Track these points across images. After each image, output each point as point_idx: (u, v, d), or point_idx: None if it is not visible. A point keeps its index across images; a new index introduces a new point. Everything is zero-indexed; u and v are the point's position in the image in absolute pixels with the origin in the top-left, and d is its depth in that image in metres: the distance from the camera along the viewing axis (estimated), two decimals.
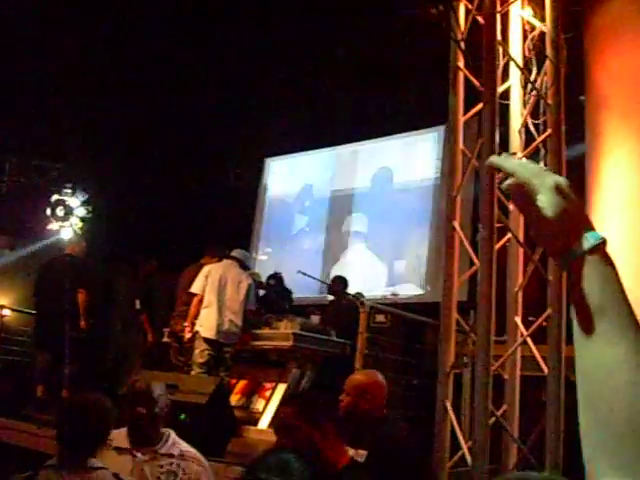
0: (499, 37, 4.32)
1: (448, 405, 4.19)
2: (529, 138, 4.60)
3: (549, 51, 4.46)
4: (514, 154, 4.56)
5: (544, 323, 4.18)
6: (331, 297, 8.02)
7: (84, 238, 8.62)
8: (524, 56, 4.70)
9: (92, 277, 7.84)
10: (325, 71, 9.29)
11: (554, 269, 4.14)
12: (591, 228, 0.93)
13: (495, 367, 4.00)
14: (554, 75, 4.39)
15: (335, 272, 8.90)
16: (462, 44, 4.52)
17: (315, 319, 7.46)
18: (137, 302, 8.40)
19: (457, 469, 4.16)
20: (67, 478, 2.81)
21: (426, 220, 9.69)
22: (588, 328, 0.89)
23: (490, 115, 4.12)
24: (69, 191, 10.74)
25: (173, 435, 3.26)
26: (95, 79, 9.11)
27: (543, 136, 4.41)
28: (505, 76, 4.62)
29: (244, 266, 7.10)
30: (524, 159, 4.48)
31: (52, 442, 3.22)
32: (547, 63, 4.47)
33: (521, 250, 4.43)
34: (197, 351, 6.60)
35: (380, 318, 7.62)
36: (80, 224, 10.67)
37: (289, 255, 10.83)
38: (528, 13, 4.72)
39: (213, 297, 6.67)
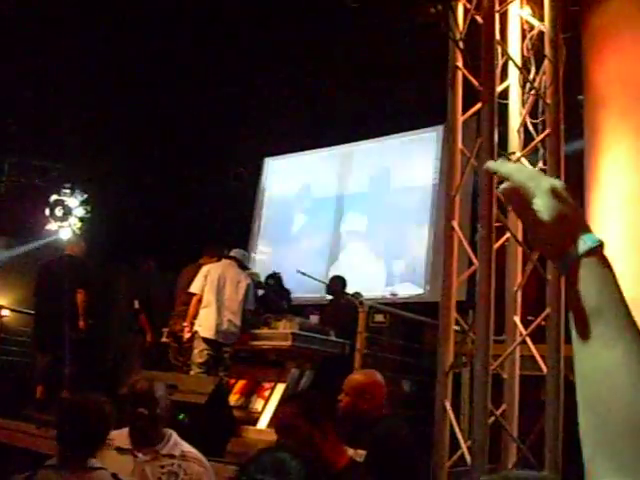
0: (498, 36, 4.32)
1: (447, 405, 4.19)
2: (528, 137, 4.60)
3: (548, 50, 4.46)
4: (512, 153, 4.56)
5: (543, 322, 4.19)
6: (330, 297, 8.03)
7: (83, 238, 8.61)
8: (523, 55, 4.70)
9: (91, 277, 7.83)
10: (325, 71, 9.29)
11: (553, 269, 4.14)
12: (588, 230, 0.93)
13: (494, 366, 4.00)
14: (553, 74, 4.39)
15: (334, 272, 8.90)
16: (461, 44, 4.52)
17: (314, 319, 7.46)
18: (136, 302, 8.39)
19: (456, 468, 4.16)
20: (66, 478, 2.81)
21: (425, 220, 9.70)
22: (585, 331, 0.89)
23: (489, 114, 4.13)
24: (68, 191, 10.76)
25: (174, 436, 3.26)
26: (95, 79, 9.10)
27: (542, 135, 4.41)
28: (504, 75, 4.62)
29: (243, 266, 7.10)
30: (522, 159, 4.48)
31: (52, 442, 3.23)
32: (546, 62, 4.47)
33: (520, 249, 4.43)
34: (196, 351, 6.60)
35: (379, 318, 7.63)
36: (79, 224, 10.69)
37: (288, 255, 10.83)
38: (527, 12, 4.73)
39: (212, 297, 6.67)
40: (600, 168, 4.46)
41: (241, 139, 10.79)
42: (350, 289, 7.89)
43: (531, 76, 4.61)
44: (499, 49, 4.39)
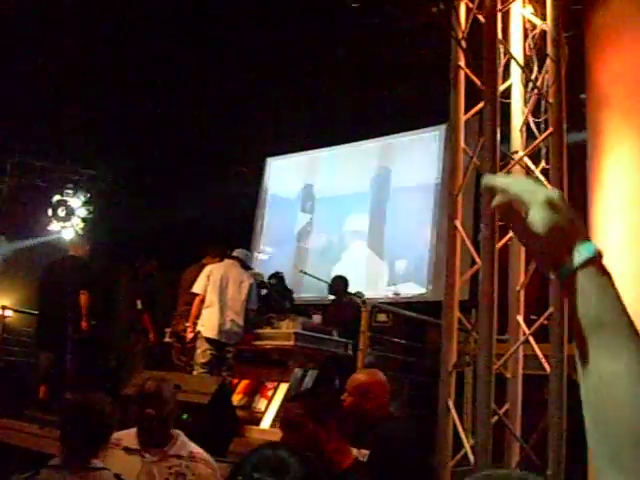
0: (500, 36, 4.32)
1: (450, 404, 4.19)
2: (530, 136, 4.60)
3: (550, 49, 4.46)
4: (515, 153, 4.56)
5: (546, 322, 4.18)
6: (332, 297, 8.03)
7: (86, 239, 8.61)
8: (525, 55, 4.70)
9: (94, 279, 7.84)
10: (325, 71, 9.28)
11: None
12: (586, 240, 0.92)
13: (497, 366, 4.00)
14: (555, 73, 4.39)
15: (336, 272, 8.90)
16: (463, 43, 4.52)
17: (317, 318, 7.46)
18: (139, 302, 8.40)
19: (460, 468, 4.16)
20: (69, 478, 2.81)
21: (427, 219, 9.69)
22: (587, 342, 0.89)
23: (491, 114, 4.12)
24: (70, 191, 10.77)
25: (182, 436, 3.26)
26: (95, 79, 9.10)
27: (544, 134, 4.41)
28: (506, 75, 4.62)
29: (245, 266, 7.10)
30: (525, 158, 4.48)
31: (54, 443, 3.23)
32: (548, 61, 4.47)
33: (523, 249, 4.43)
34: (199, 351, 6.61)
35: (382, 317, 7.64)
36: (81, 224, 10.70)
37: (290, 255, 10.84)
38: (529, 12, 4.73)
39: (215, 297, 6.67)
40: (603, 168, 4.46)
41: (242, 139, 10.78)
42: (353, 289, 7.90)
43: (533, 75, 4.60)
44: (501, 48, 4.38)
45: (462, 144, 4.55)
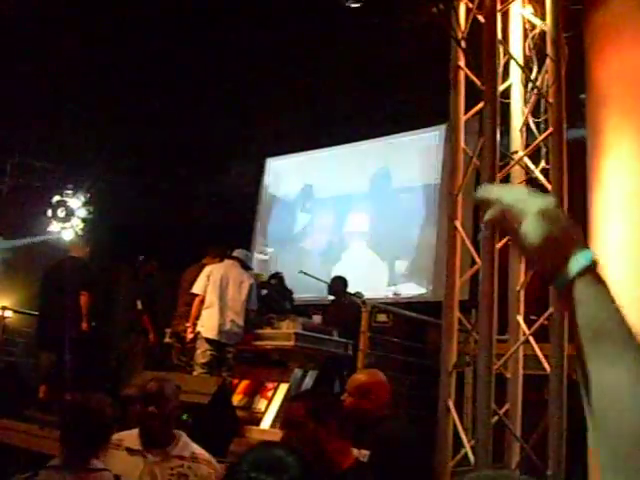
0: (500, 36, 4.31)
1: (451, 404, 4.19)
2: (530, 136, 4.60)
3: (550, 49, 4.46)
4: (515, 153, 4.56)
5: (546, 322, 4.18)
6: (332, 297, 8.03)
7: (86, 240, 8.60)
8: (525, 55, 4.70)
9: (95, 280, 7.85)
10: (325, 71, 9.28)
11: None
12: (582, 249, 0.92)
13: (497, 366, 4.00)
14: (555, 73, 4.39)
15: (336, 272, 8.90)
16: (463, 43, 4.52)
17: (317, 319, 7.47)
18: (139, 303, 8.41)
19: (460, 468, 4.16)
20: (69, 478, 2.82)
21: (427, 219, 9.70)
22: (588, 352, 0.89)
23: (491, 114, 4.12)
24: (70, 192, 10.76)
25: (184, 437, 3.26)
26: (95, 79, 9.10)
27: (544, 134, 4.41)
28: (506, 75, 4.62)
29: (245, 266, 7.11)
30: (525, 158, 4.48)
31: (55, 443, 3.23)
32: (548, 61, 4.46)
33: None
34: (199, 351, 6.61)
35: (382, 317, 7.64)
36: (81, 225, 10.70)
37: (290, 255, 10.84)
38: (529, 12, 4.72)
39: (215, 297, 6.67)
40: (602, 168, 4.45)
41: (242, 139, 10.79)
42: (353, 289, 7.90)
43: (533, 75, 4.60)
44: (501, 48, 4.38)
45: (462, 144, 4.54)
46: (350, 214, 10.71)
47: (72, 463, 2.86)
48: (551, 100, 4.38)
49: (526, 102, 4.66)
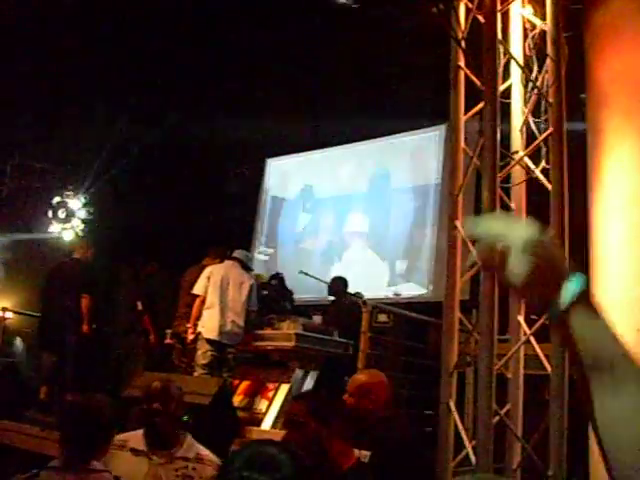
0: (500, 36, 4.32)
1: (452, 404, 4.19)
2: (531, 136, 4.60)
3: (550, 49, 4.46)
4: (515, 152, 4.56)
5: (547, 322, 4.17)
6: (332, 297, 8.02)
7: (90, 242, 8.56)
8: (525, 55, 4.70)
9: (96, 282, 7.85)
10: (325, 71, 9.29)
11: None
12: (571, 276, 0.91)
13: (498, 366, 4.00)
14: (555, 73, 4.39)
15: (337, 272, 8.89)
16: (463, 43, 4.52)
17: (317, 319, 7.45)
18: (139, 303, 8.40)
19: (461, 468, 4.15)
20: (68, 479, 2.81)
21: (427, 219, 9.69)
22: (588, 383, 0.88)
23: (491, 114, 4.12)
24: (70, 193, 10.76)
25: (189, 438, 3.26)
26: (95, 80, 9.11)
27: (545, 134, 4.41)
28: (506, 75, 4.62)
29: (246, 267, 7.09)
30: (525, 158, 4.48)
31: (55, 444, 3.23)
32: (548, 61, 4.46)
33: None
34: (200, 352, 6.60)
35: (382, 318, 7.62)
36: (82, 226, 10.70)
37: (290, 255, 10.84)
38: (528, 12, 4.72)
39: (215, 298, 6.67)
40: (603, 168, 4.45)
41: (242, 140, 10.78)
42: (353, 289, 7.88)
43: (533, 75, 4.60)
44: (501, 48, 4.38)
45: (462, 144, 4.54)
46: (350, 214, 10.70)
47: (72, 464, 2.86)
48: (551, 100, 4.38)
49: (526, 102, 4.66)
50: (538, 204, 4.46)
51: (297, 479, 1.47)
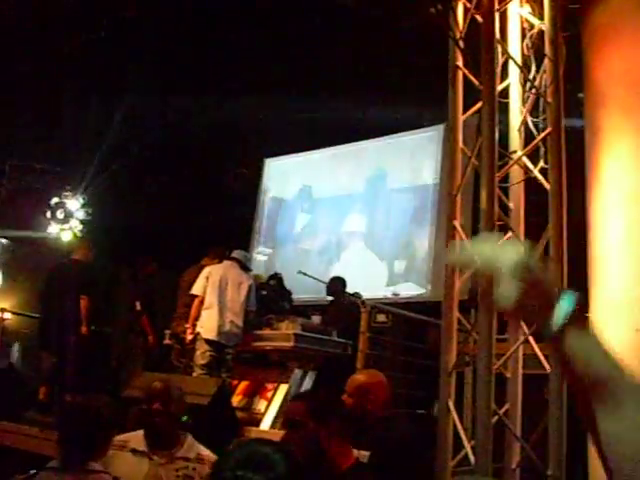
0: (498, 35, 4.32)
1: (451, 404, 4.19)
2: (529, 136, 4.59)
3: (548, 49, 4.46)
4: (514, 152, 4.55)
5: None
6: (331, 297, 8.02)
7: (92, 243, 8.54)
8: (523, 54, 4.69)
9: (96, 283, 7.84)
10: (325, 71, 9.28)
11: (555, 267, 4.13)
12: (562, 297, 0.91)
13: (497, 366, 3.99)
14: (553, 73, 4.39)
15: (335, 272, 8.89)
16: (461, 43, 4.52)
17: (316, 319, 7.46)
18: (137, 304, 8.39)
19: (460, 468, 4.15)
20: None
21: (426, 219, 9.69)
22: (589, 400, 0.88)
23: (489, 114, 4.12)
24: (69, 194, 10.76)
25: (190, 438, 3.27)
26: (95, 80, 9.11)
27: (543, 134, 4.41)
28: (504, 74, 4.62)
29: (244, 267, 7.10)
30: (524, 158, 4.48)
31: (55, 445, 3.23)
32: (546, 61, 4.46)
33: None
34: (198, 352, 6.60)
35: (381, 318, 7.61)
36: (80, 226, 10.69)
37: (289, 255, 10.84)
38: (526, 11, 4.72)
39: (214, 298, 6.67)
40: (601, 166, 4.45)
41: (241, 140, 10.79)
42: (352, 289, 7.89)
43: (531, 75, 4.60)
44: (499, 48, 4.38)
45: (460, 144, 4.54)
46: (349, 214, 10.70)
47: (70, 465, 2.86)
48: (549, 99, 4.38)
49: (524, 102, 4.65)
50: (537, 204, 4.46)
51: (291, 478, 1.46)
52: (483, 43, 4.23)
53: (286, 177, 11.74)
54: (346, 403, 3.42)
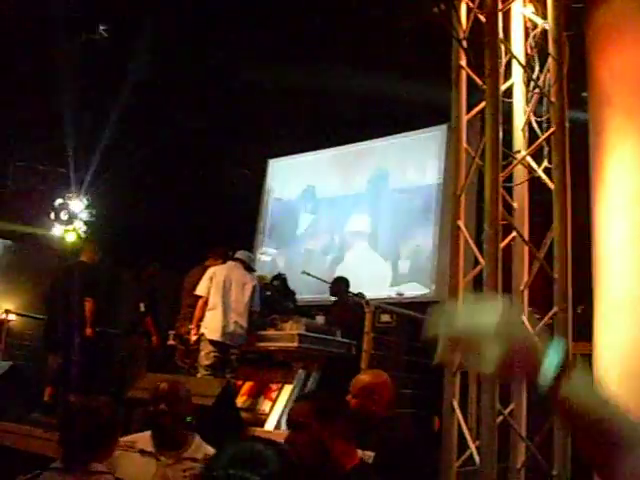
0: (501, 35, 4.32)
1: (455, 405, 4.19)
2: (533, 135, 4.59)
3: (551, 49, 4.46)
4: (518, 152, 4.55)
5: (550, 321, 4.17)
6: (334, 298, 8.02)
7: (97, 244, 8.54)
8: (526, 54, 4.69)
9: (100, 285, 7.86)
10: (326, 71, 9.28)
11: (560, 267, 4.13)
12: (549, 348, 0.91)
13: None
14: (557, 72, 4.39)
15: (339, 272, 8.89)
16: (464, 43, 4.52)
17: (320, 319, 7.45)
18: (141, 305, 8.40)
19: (465, 468, 4.15)
20: None
21: (430, 219, 9.68)
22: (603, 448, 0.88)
23: (493, 113, 4.12)
24: (72, 195, 10.77)
25: (198, 439, 3.27)
26: (96, 80, 9.11)
27: (547, 133, 4.41)
28: (508, 74, 4.62)
29: (248, 267, 7.09)
30: (527, 157, 4.47)
31: (59, 446, 3.23)
32: (549, 61, 4.46)
33: (526, 248, 4.42)
34: (203, 353, 6.60)
35: (385, 318, 7.62)
36: (84, 228, 10.70)
37: (293, 256, 10.84)
38: (530, 11, 4.72)
39: (218, 299, 6.67)
40: (605, 167, 4.44)
41: (244, 140, 10.79)
42: (355, 289, 7.88)
43: (535, 74, 4.60)
44: (503, 48, 4.38)
45: (464, 144, 4.54)
46: (352, 214, 10.70)
47: (72, 466, 2.86)
48: (553, 99, 4.38)
49: (528, 101, 4.65)
50: (541, 203, 4.46)
51: (284, 475, 1.45)
52: (486, 43, 4.23)
53: (289, 177, 11.74)
54: (350, 403, 3.42)
